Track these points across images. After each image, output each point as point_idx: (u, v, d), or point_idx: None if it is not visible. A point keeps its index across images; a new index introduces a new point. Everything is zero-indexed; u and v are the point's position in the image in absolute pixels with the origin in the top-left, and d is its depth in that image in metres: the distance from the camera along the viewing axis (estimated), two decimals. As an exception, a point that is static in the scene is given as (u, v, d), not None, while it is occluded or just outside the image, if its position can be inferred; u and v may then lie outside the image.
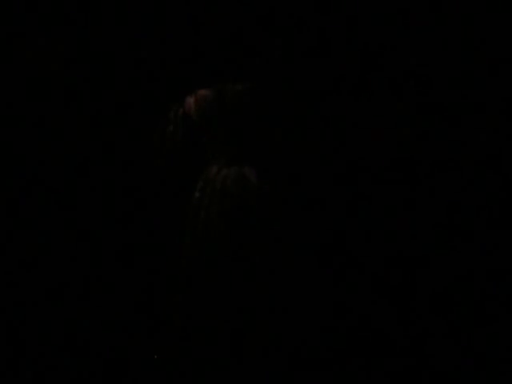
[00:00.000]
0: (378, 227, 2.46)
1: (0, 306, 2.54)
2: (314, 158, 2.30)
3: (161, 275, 2.32)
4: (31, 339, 2.49)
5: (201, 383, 2.12)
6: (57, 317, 2.53)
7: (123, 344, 2.45)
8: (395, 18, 2.41)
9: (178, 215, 2.28)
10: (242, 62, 2.22)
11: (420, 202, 2.44)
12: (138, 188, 2.57)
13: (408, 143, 2.43)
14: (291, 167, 2.25)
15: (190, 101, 2.28)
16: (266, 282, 2.13)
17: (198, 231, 2.18)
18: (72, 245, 2.58)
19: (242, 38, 2.21)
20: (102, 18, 2.53)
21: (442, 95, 2.43)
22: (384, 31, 2.41)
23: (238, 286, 2.14)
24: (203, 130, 2.26)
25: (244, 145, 2.19)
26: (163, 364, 2.19)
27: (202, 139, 2.28)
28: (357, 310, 2.44)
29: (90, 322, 2.52)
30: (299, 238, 2.19)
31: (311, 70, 2.38)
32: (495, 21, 2.34)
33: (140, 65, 2.51)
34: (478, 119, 2.41)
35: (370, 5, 2.40)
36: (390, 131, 2.44)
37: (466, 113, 2.41)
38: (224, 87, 2.19)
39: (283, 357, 2.13)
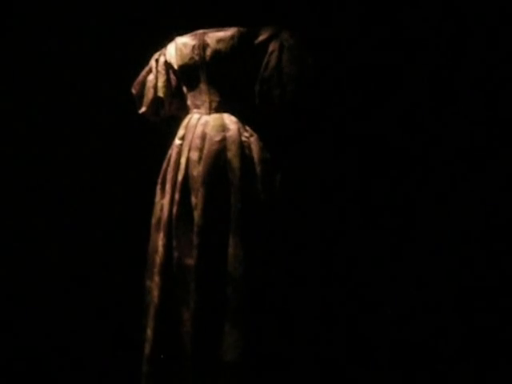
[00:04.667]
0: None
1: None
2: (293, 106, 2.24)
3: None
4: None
5: None
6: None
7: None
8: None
9: (158, 163, 2.26)
10: (225, 7, 2.20)
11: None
12: (119, 137, 2.56)
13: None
14: (271, 114, 2.22)
15: (171, 48, 2.27)
16: (248, 231, 2.11)
17: (179, 178, 2.16)
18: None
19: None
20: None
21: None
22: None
23: (219, 234, 2.12)
24: (184, 78, 2.24)
25: (225, 93, 2.17)
26: None
27: (183, 87, 2.26)
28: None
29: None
30: (278, 184, 2.16)
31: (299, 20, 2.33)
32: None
33: (120, 11, 2.49)
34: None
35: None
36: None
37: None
38: (206, 34, 2.16)
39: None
